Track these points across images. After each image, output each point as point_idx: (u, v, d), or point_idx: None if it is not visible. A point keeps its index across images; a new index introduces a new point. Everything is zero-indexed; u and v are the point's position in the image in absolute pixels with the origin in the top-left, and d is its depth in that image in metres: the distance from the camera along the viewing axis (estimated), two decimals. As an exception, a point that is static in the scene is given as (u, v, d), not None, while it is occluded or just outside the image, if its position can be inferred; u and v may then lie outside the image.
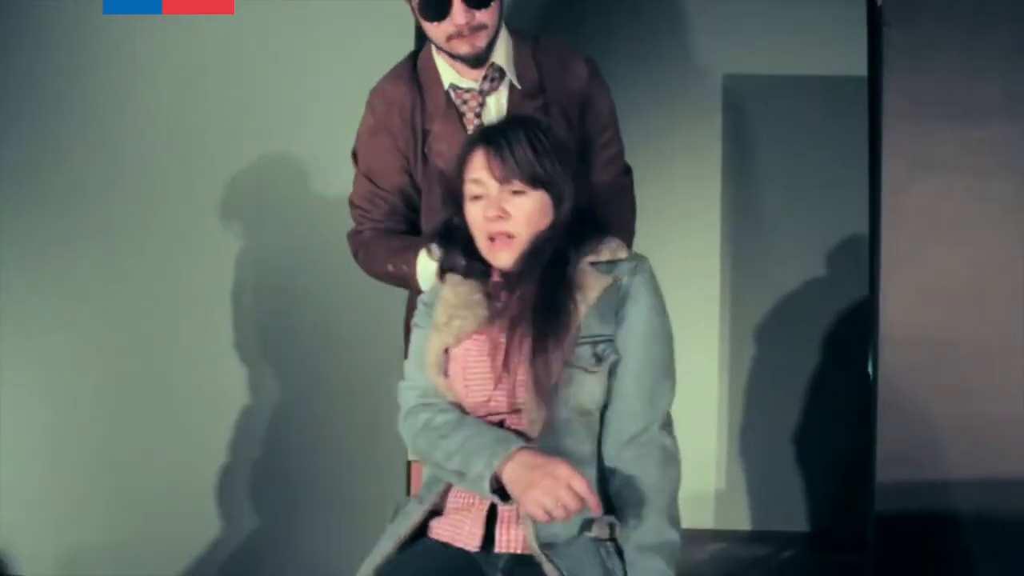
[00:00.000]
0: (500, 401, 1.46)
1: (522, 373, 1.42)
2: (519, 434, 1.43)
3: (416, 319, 1.62)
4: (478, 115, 1.85)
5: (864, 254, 2.57)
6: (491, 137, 1.53)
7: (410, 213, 1.90)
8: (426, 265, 1.78)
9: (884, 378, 2.04)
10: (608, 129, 1.87)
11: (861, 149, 2.63)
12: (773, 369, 2.84)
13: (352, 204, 1.94)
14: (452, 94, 1.82)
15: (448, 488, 1.47)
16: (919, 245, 2.06)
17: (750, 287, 2.86)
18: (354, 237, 1.93)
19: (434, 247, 1.63)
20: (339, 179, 2.12)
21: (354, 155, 1.93)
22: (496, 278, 1.53)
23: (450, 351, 1.51)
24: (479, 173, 1.50)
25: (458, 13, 1.70)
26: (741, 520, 2.95)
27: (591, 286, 1.46)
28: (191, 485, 2.45)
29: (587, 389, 1.43)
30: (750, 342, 2.86)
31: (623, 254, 1.51)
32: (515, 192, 1.48)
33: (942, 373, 2.03)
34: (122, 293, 2.48)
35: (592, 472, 1.42)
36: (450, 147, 1.79)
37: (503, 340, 1.46)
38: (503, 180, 1.48)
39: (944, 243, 2.07)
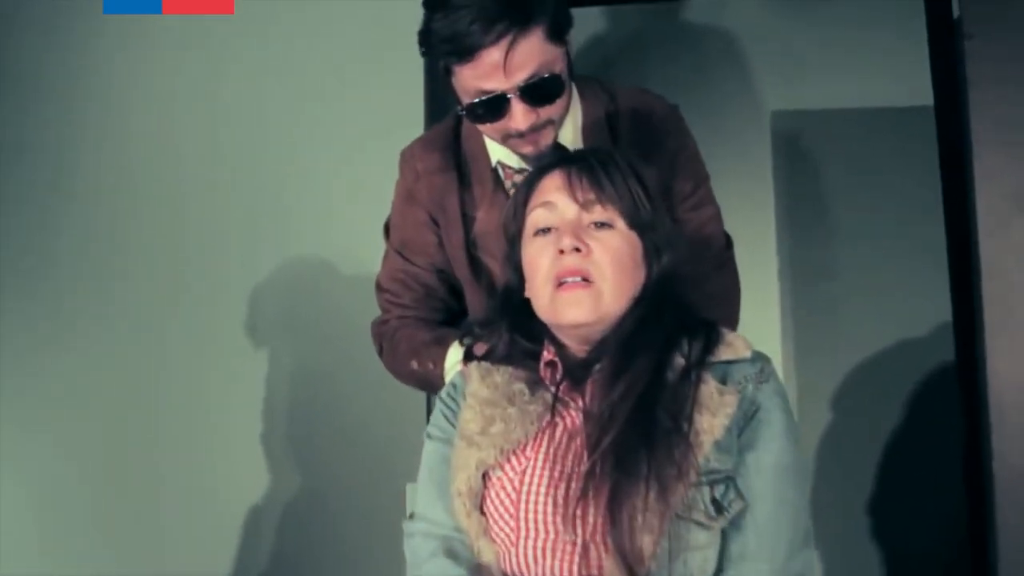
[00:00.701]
0: (568, 563, 1.02)
1: (604, 522, 0.99)
2: None
3: (431, 426, 1.20)
4: None
5: (945, 308, 2.29)
6: (576, 157, 1.17)
7: (450, 299, 1.58)
8: (455, 355, 1.42)
9: (1000, 462, 1.68)
10: (700, 188, 1.53)
11: (931, 186, 2.34)
12: (847, 445, 2.48)
13: (379, 287, 1.63)
14: (500, 172, 1.49)
15: None
16: (1029, 296, 1.73)
17: (815, 350, 2.51)
18: (378, 327, 1.62)
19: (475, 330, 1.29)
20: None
21: (386, 229, 1.63)
22: (549, 356, 1.13)
23: (489, 476, 1.08)
24: (552, 195, 1.12)
25: (518, 116, 1.35)
26: (819, 623, 2.56)
27: (716, 407, 1.03)
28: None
29: (700, 553, 1.00)
30: (818, 413, 2.51)
31: (747, 352, 1.11)
32: (600, 225, 1.11)
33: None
34: (122, 368, 2.34)
35: None
36: (501, 243, 1.40)
37: (572, 460, 1.04)
38: (587, 204, 1.10)
39: (1060, 291, 1.73)
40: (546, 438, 1.09)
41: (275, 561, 2.30)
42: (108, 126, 2.43)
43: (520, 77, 1.33)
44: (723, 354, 1.11)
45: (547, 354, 1.15)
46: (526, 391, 1.13)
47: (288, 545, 2.30)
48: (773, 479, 1.05)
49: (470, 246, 1.51)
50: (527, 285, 1.17)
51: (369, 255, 1.76)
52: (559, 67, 1.37)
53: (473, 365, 1.19)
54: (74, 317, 2.38)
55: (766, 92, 2.58)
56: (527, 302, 1.18)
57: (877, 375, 2.40)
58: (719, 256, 1.60)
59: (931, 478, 2.45)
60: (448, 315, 1.60)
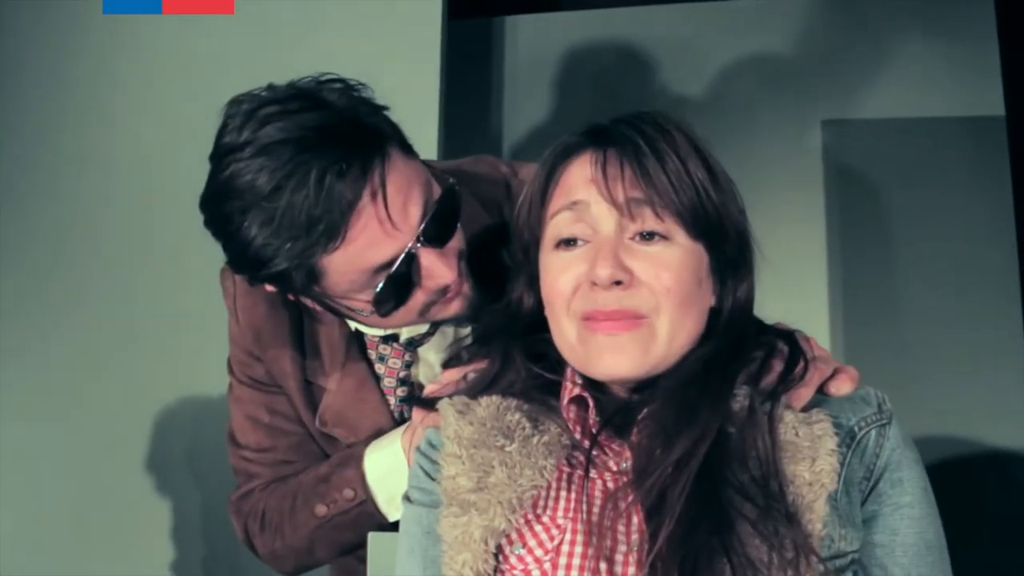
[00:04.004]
0: None
1: None
2: None
3: (409, 487, 0.91)
4: (404, 380, 1.11)
5: (1017, 338, 2.06)
6: (614, 134, 0.83)
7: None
8: (389, 458, 1.05)
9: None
10: None
11: (1000, 200, 2.12)
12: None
13: (233, 443, 1.17)
14: (363, 338, 1.12)
15: None
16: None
17: (872, 382, 2.27)
18: (240, 505, 1.15)
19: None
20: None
21: (229, 366, 1.20)
22: (576, 390, 0.83)
23: (504, 553, 0.79)
24: (581, 192, 0.81)
25: (439, 268, 1.00)
26: None
27: (808, 444, 0.77)
28: None
29: None
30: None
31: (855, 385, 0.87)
32: (647, 236, 0.80)
33: None
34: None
35: None
36: (361, 417, 1.09)
37: (622, 539, 0.76)
38: (632, 208, 0.79)
39: None
40: (583, 500, 0.79)
41: None
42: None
43: (415, 216, 0.97)
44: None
45: (571, 385, 0.85)
46: (525, 423, 0.83)
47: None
48: (918, 564, 0.79)
49: (322, 427, 1.13)
50: (548, 312, 0.87)
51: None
52: (435, 187, 1.03)
53: (445, 402, 0.89)
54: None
55: (818, 101, 2.37)
56: (541, 320, 0.89)
57: (945, 420, 2.16)
58: None
59: (1006, 521, 2.22)
60: None
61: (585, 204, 0.82)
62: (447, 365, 1.04)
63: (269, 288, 1.05)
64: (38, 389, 2.19)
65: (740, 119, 2.32)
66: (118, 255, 2.26)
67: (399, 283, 0.99)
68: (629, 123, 0.85)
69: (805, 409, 0.82)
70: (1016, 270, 2.05)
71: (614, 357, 0.80)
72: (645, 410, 0.81)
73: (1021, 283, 2.06)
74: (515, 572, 0.79)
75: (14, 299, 2.24)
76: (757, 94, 2.37)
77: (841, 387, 0.87)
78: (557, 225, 0.85)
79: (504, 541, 0.80)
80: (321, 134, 0.96)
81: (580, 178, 0.83)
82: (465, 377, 0.95)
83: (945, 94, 2.32)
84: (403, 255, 0.97)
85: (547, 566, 0.78)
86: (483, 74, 2.48)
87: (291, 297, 1.06)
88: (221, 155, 1.01)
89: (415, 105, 2.04)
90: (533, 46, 2.48)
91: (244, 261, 1.00)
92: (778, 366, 0.83)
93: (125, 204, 2.28)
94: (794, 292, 2.20)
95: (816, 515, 0.74)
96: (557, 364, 0.89)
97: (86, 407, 2.16)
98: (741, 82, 2.39)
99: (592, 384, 0.86)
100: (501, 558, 0.80)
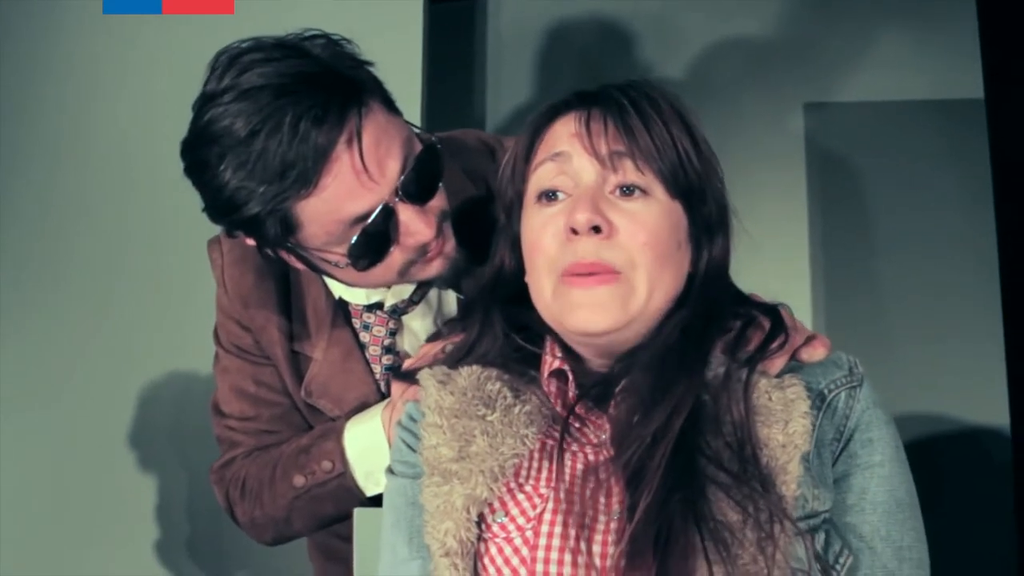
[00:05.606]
0: None
1: None
2: None
3: (392, 460, 0.91)
4: (389, 348, 1.10)
5: (995, 318, 2.08)
6: (601, 96, 0.84)
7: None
8: (369, 433, 1.04)
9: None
10: None
11: (979, 181, 2.14)
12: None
13: (216, 412, 1.16)
14: (347, 307, 1.11)
15: None
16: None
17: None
18: (223, 473, 1.14)
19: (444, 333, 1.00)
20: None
21: (216, 333, 1.19)
22: (556, 363, 0.84)
23: (487, 521, 0.80)
24: (564, 144, 0.82)
25: (417, 224, 0.98)
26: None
27: (782, 408, 0.78)
28: None
29: None
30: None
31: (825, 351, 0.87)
32: (629, 190, 0.81)
33: None
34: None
35: None
36: (347, 388, 1.08)
37: (598, 510, 0.77)
38: (613, 160, 0.80)
39: None
40: (562, 470, 0.80)
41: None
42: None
43: (394, 169, 0.97)
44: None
45: (551, 358, 0.86)
46: (507, 392, 0.84)
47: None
48: (887, 522, 0.80)
49: (307, 398, 1.13)
50: (527, 270, 0.88)
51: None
52: (416, 143, 1.03)
53: (425, 372, 0.90)
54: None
55: (800, 83, 2.37)
56: (523, 289, 0.89)
57: (923, 393, 2.19)
58: None
59: (980, 503, 2.25)
60: None
61: (567, 155, 0.83)
62: (428, 341, 1.04)
63: (249, 242, 1.04)
64: (20, 370, 2.18)
65: (723, 101, 2.32)
66: (99, 233, 2.24)
67: (376, 237, 0.98)
68: (617, 87, 0.87)
69: (779, 375, 0.83)
70: (994, 250, 2.07)
71: (590, 312, 0.80)
72: (623, 381, 0.82)
73: (999, 262, 2.08)
74: (497, 540, 0.80)
75: (-4, 279, 2.23)
76: (740, 76, 2.37)
77: (814, 354, 0.88)
78: (539, 177, 0.85)
79: (487, 510, 0.81)
80: (300, 81, 0.97)
81: (564, 133, 0.84)
82: (443, 350, 0.96)
83: (925, 77, 2.33)
84: (380, 208, 0.97)
85: (529, 534, 0.78)
86: (466, 55, 2.48)
87: (270, 253, 1.06)
88: (202, 102, 1.02)
89: (398, 87, 2.03)
90: (515, 26, 2.47)
91: (218, 205, 1.00)
92: (757, 338, 0.84)
93: (108, 181, 2.26)
94: (776, 271, 2.21)
95: (790, 476, 0.76)
96: (538, 337, 0.89)
97: (68, 387, 2.15)
98: (724, 64, 2.39)
99: (572, 357, 0.87)
100: (483, 526, 0.81)
